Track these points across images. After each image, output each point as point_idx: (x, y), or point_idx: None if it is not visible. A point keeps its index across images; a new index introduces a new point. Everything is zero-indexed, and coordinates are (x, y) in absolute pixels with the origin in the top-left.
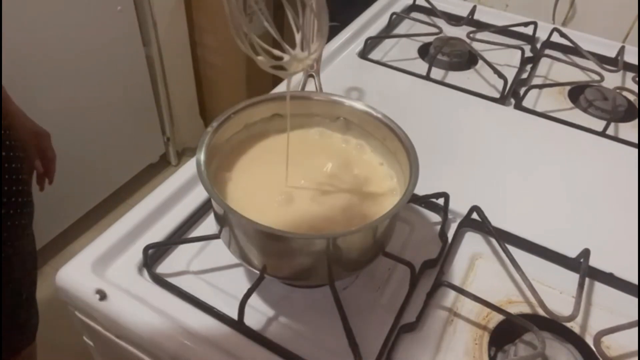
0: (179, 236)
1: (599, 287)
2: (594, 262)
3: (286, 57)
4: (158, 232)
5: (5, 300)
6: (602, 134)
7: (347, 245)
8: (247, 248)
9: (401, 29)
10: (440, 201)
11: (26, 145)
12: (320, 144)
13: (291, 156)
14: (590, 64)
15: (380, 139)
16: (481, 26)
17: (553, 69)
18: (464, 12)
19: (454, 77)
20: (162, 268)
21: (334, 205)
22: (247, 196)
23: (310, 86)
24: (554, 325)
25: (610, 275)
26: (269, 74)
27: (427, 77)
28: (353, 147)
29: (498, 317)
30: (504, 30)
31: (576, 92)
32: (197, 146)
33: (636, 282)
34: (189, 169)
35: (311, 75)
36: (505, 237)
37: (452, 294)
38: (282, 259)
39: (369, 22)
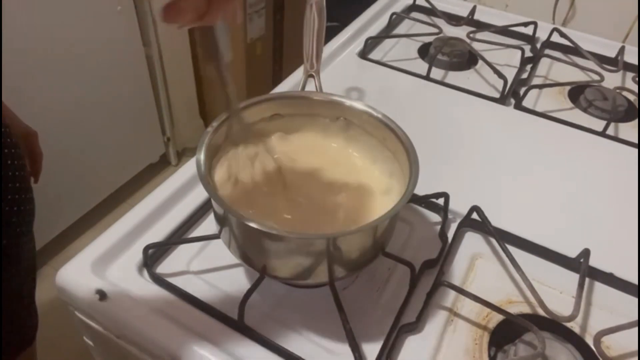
0: (179, 236)
1: (599, 287)
2: (594, 262)
3: None
4: (158, 232)
5: (5, 300)
6: (602, 134)
7: (347, 245)
8: (247, 248)
9: (401, 29)
10: (440, 201)
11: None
12: (319, 144)
13: (290, 157)
14: (590, 64)
15: (380, 139)
16: (481, 26)
17: (553, 69)
18: (464, 12)
19: (454, 77)
20: (162, 268)
21: (333, 205)
22: (247, 196)
23: (310, 86)
24: (554, 325)
25: (610, 275)
26: (269, 74)
27: (427, 77)
28: (353, 148)
29: (498, 317)
30: (504, 30)
31: (576, 92)
32: (197, 146)
33: (636, 282)
34: (189, 169)
35: (311, 75)
36: (505, 237)
37: (452, 294)
38: (282, 259)
39: (369, 22)
